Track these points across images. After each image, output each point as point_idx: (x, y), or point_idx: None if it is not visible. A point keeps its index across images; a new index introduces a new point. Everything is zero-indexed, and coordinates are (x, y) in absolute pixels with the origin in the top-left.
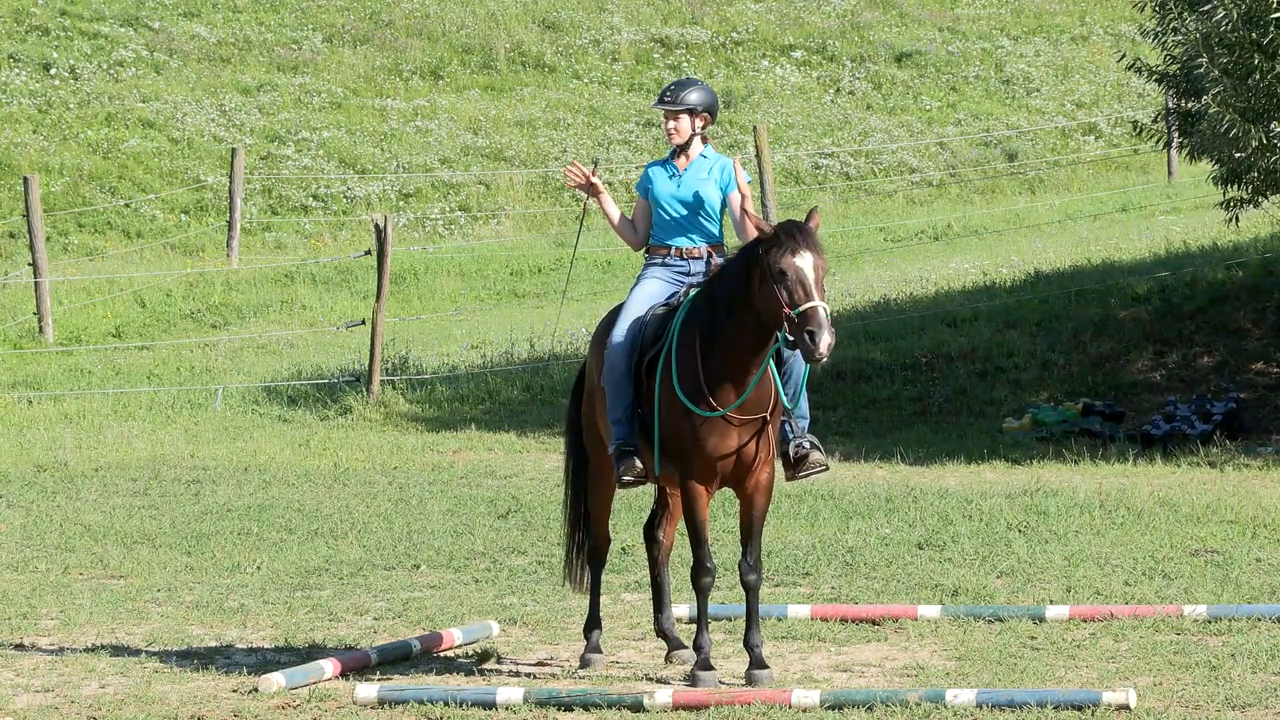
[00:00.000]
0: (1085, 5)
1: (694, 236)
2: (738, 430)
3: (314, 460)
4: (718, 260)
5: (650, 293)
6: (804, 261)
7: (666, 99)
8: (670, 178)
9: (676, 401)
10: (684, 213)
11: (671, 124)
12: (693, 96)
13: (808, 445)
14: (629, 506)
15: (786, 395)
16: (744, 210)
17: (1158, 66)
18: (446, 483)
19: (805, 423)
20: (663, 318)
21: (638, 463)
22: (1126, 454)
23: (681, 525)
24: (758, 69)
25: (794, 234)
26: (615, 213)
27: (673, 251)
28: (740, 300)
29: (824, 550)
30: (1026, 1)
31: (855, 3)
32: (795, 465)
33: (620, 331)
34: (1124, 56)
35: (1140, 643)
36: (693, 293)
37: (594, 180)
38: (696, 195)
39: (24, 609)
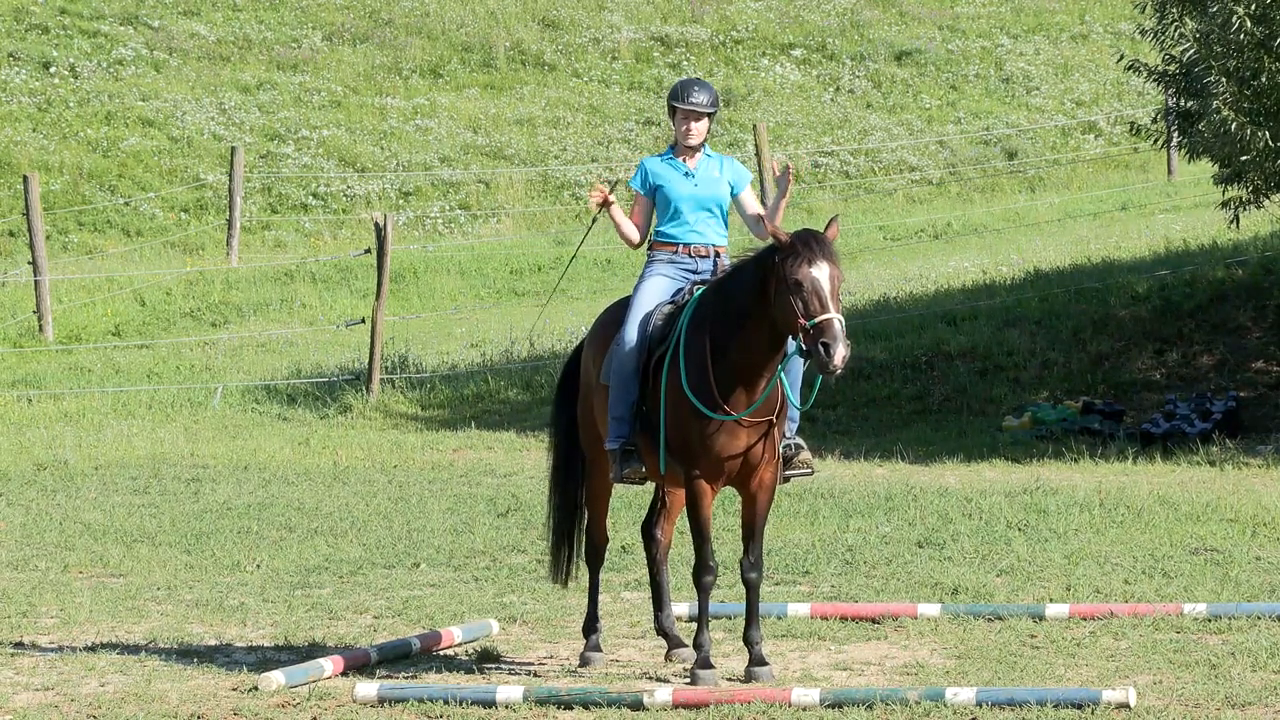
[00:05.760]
0: (1085, 4)
1: (705, 235)
2: (746, 431)
3: (313, 459)
4: (724, 261)
5: (658, 289)
6: (820, 272)
7: (698, 101)
8: (685, 176)
9: (685, 402)
10: (700, 213)
11: (696, 124)
12: (714, 100)
13: (795, 447)
14: (628, 505)
15: (793, 397)
16: (761, 216)
17: (1157, 66)
18: (446, 481)
19: (794, 425)
20: (670, 316)
21: (640, 464)
22: (1126, 452)
23: (680, 523)
24: (757, 67)
25: (811, 244)
26: (624, 219)
27: (680, 249)
28: (755, 308)
29: (824, 549)
30: (1026, 0)
31: (855, 1)
32: (784, 464)
33: (631, 329)
34: (1123, 57)
35: (1140, 641)
36: (699, 291)
37: (610, 199)
38: (714, 195)
39: (24, 607)
